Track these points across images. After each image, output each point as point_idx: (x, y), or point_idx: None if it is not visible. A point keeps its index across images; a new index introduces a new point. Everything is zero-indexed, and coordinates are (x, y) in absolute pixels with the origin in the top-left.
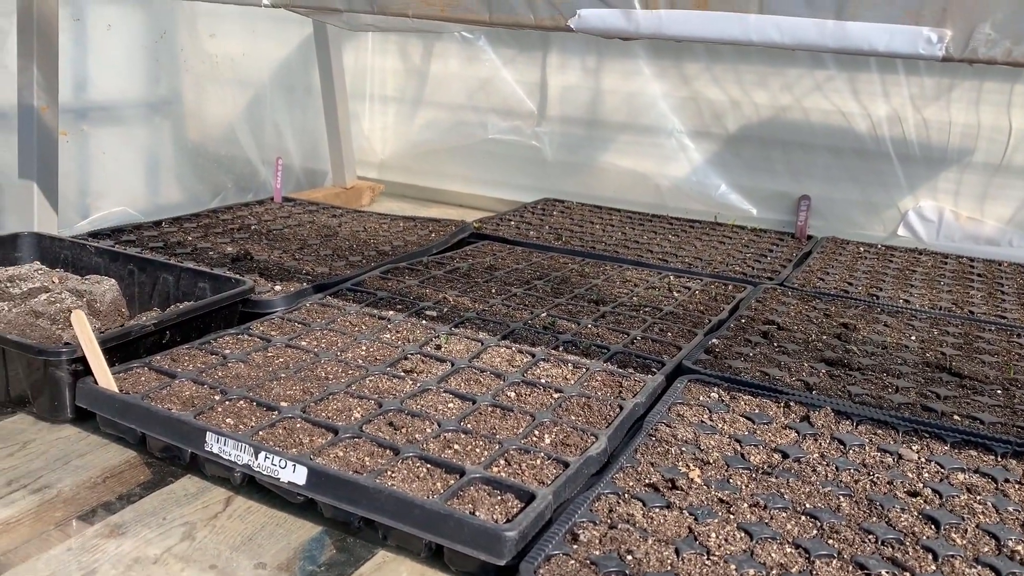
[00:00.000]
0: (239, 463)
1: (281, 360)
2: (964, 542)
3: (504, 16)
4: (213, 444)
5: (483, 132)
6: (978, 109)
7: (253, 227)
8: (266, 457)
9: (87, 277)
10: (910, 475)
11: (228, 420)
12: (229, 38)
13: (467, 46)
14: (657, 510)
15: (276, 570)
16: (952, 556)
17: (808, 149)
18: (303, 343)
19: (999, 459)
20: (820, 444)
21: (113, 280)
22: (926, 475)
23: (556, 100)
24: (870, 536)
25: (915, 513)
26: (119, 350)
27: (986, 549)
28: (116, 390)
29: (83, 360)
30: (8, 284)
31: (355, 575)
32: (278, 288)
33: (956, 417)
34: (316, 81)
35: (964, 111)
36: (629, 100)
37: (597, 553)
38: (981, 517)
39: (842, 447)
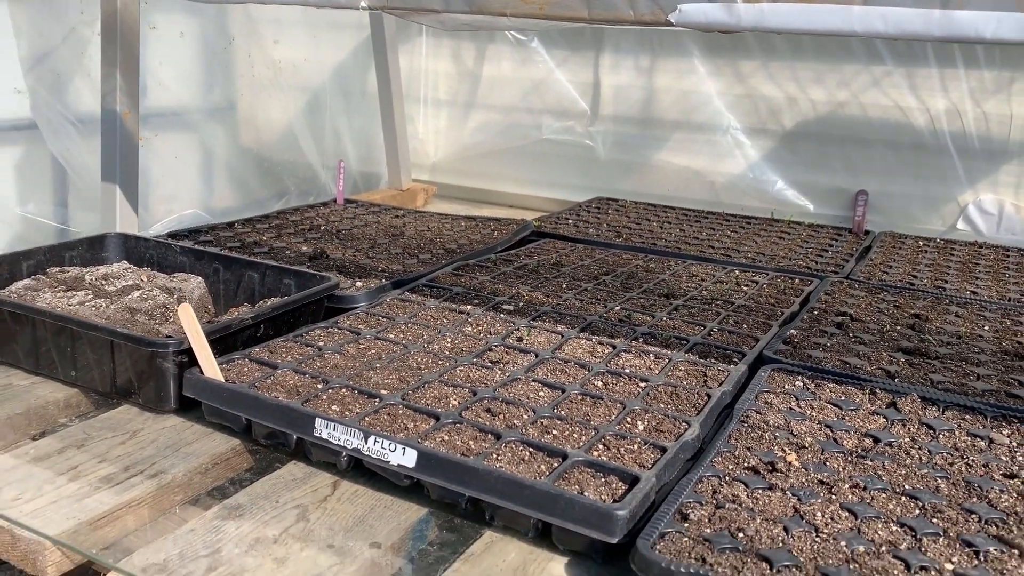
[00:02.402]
0: (348, 447)
1: (373, 351)
2: None
3: (603, 12)
4: (322, 429)
5: (536, 133)
6: None
7: (322, 227)
8: (376, 441)
9: (174, 275)
10: (1004, 458)
11: (334, 407)
12: (292, 44)
13: (520, 48)
14: (760, 491)
15: (390, 549)
16: None
17: (865, 144)
18: (391, 336)
19: None
20: (910, 429)
21: (200, 278)
22: (1020, 458)
23: (609, 99)
24: (973, 515)
25: (1014, 494)
26: (219, 343)
27: None
28: (222, 380)
29: (188, 352)
30: (103, 282)
31: (466, 553)
32: (359, 284)
33: None
34: (371, 85)
35: None
36: (683, 98)
37: (708, 531)
38: None
39: (932, 432)
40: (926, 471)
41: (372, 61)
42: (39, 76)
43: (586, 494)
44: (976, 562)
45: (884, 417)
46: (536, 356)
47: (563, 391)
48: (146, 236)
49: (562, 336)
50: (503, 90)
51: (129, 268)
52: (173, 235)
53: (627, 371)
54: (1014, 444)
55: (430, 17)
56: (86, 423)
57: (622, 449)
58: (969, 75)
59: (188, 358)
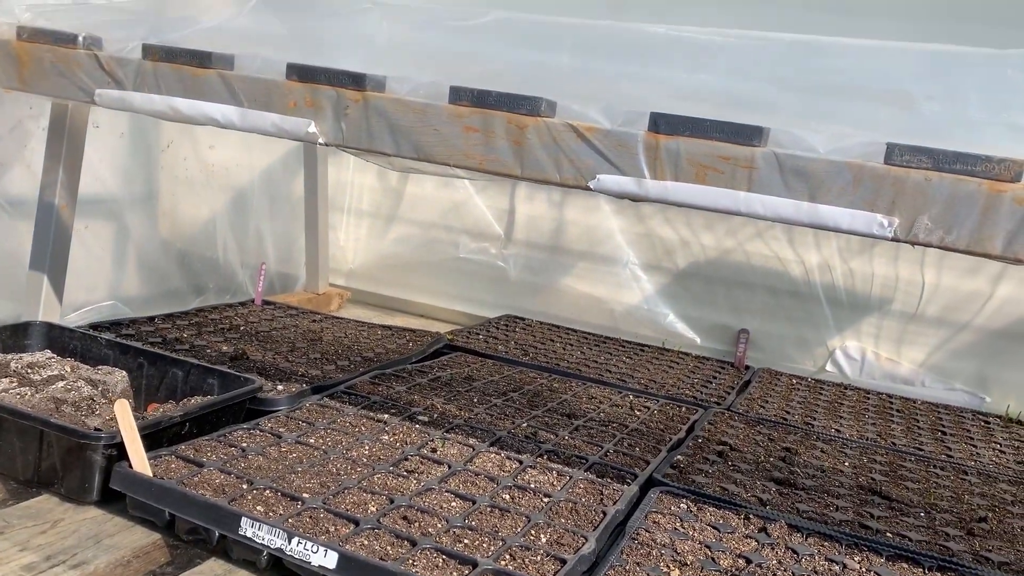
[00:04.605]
0: (272, 547)
1: (295, 455)
2: None
3: (533, 173)
4: (248, 528)
5: (453, 250)
6: (896, 264)
7: (242, 328)
8: (299, 542)
9: (99, 367)
10: None
11: (258, 507)
12: (225, 148)
13: (443, 170)
14: None
15: None
16: None
17: (748, 287)
18: (311, 440)
19: (926, 572)
20: (777, 552)
21: (124, 372)
22: None
23: (522, 226)
24: None
25: None
26: (147, 439)
27: None
28: (151, 475)
29: (117, 446)
30: (28, 370)
31: None
32: (280, 388)
33: (888, 534)
34: (296, 191)
35: (884, 265)
36: (589, 231)
37: None
38: None
39: (795, 555)
40: None
41: (300, 168)
42: None
43: None
44: None
45: (756, 540)
46: (449, 467)
47: (474, 502)
48: (71, 327)
49: (473, 449)
50: (424, 208)
51: (53, 358)
52: (95, 326)
53: (532, 486)
54: (863, 570)
55: (382, 158)
56: (5, 510)
57: (527, 560)
58: (838, 236)
59: (117, 451)
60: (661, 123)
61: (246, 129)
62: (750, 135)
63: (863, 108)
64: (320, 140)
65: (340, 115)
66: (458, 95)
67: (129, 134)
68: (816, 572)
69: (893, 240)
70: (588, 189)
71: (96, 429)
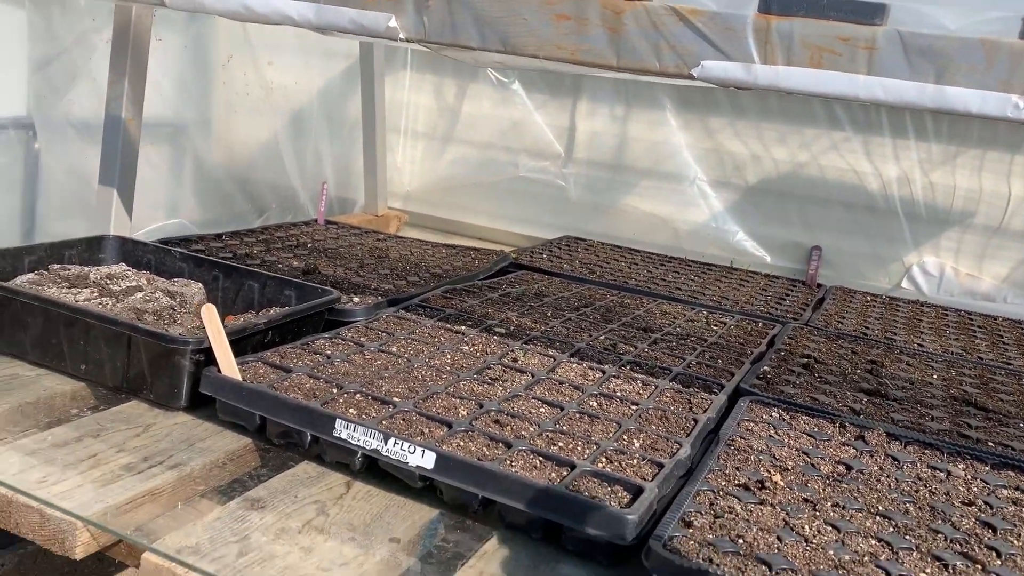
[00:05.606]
0: (367, 448)
1: (379, 362)
2: (1021, 544)
3: (631, 62)
4: (342, 430)
5: (511, 170)
6: (980, 176)
7: (309, 245)
8: (395, 443)
9: (174, 280)
10: (961, 488)
11: (351, 411)
12: (284, 67)
13: (500, 89)
14: (753, 505)
15: (408, 544)
16: (1014, 555)
17: (822, 203)
18: (393, 349)
19: None
20: (877, 459)
21: (200, 284)
22: (975, 489)
23: (583, 144)
24: (939, 535)
25: (972, 519)
26: (231, 345)
27: None
28: (241, 379)
29: (205, 351)
30: (107, 281)
31: (481, 550)
32: (356, 300)
33: (990, 443)
34: (353, 113)
35: (968, 176)
36: (653, 148)
37: (711, 536)
38: None
39: (897, 463)
40: (895, 496)
41: (357, 89)
42: (45, 77)
43: (597, 500)
44: (947, 573)
45: (854, 448)
46: (532, 376)
47: (562, 409)
48: (144, 241)
49: (554, 359)
50: (481, 127)
51: (129, 270)
52: (165, 242)
53: (618, 394)
54: (969, 477)
55: (465, 53)
56: (98, 415)
57: (623, 463)
58: (919, 146)
59: (204, 357)
60: (773, 2)
61: (322, 27)
62: (871, 12)
63: None
64: (400, 36)
65: (422, 8)
66: None
67: (191, 47)
68: (920, 479)
69: None
70: (691, 78)
71: (182, 334)
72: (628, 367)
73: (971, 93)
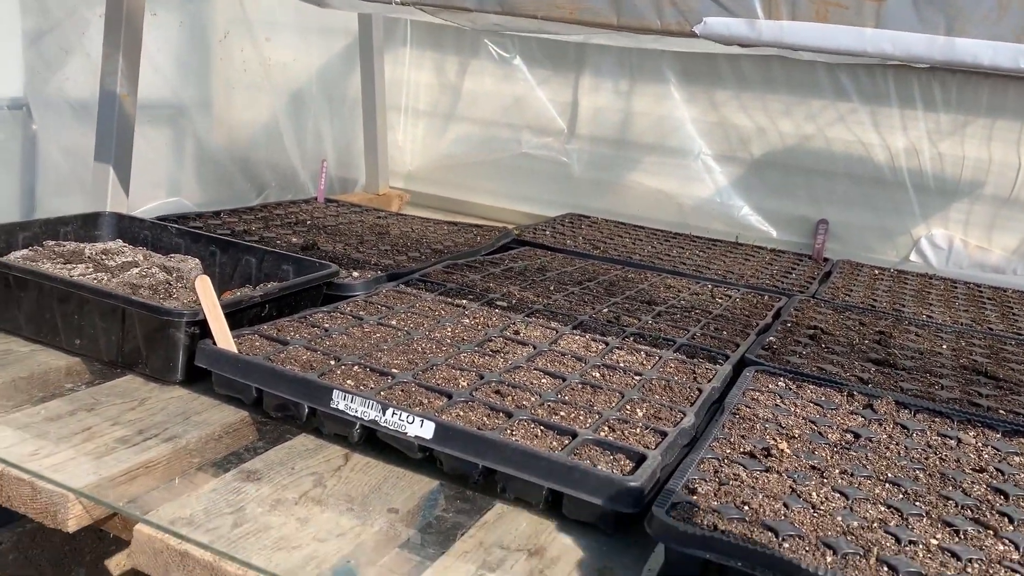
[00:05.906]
0: (366, 418)
1: (378, 335)
2: None
3: (631, 20)
4: (339, 401)
5: (514, 147)
6: (990, 145)
7: (308, 222)
8: (393, 413)
9: (171, 256)
10: (972, 455)
11: (348, 382)
12: (282, 45)
13: (502, 65)
14: (759, 473)
15: (407, 515)
16: None
17: (828, 176)
18: (392, 322)
19: None
20: (886, 428)
21: (197, 260)
22: (986, 456)
23: (587, 120)
24: (950, 501)
25: (984, 486)
26: (228, 318)
27: None
28: (236, 352)
29: (200, 324)
30: (103, 256)
31: (480, 521)
32: (355, 274)
33: (1001, 412)
34: (353, 91)
35: (977, 146)
36: (658, 123)
37: (716, 503)
38: None
39: (906, 431)
40: (905, 463)
41: (357, 67)
42: (39, 52)
43: (599, 468)
44: (957, 539)
45: (862, 416)
46: (534, 348)
47: (564, 379)
48: (140, 217)
49: (556, 332)
50: (483, 104)
51: (125, 246)
52: (162, 219)
53: (621, 365)
54: (979, 444)
55: (461, 16)
56: (93, 389)
57: (626, 431)
58: (927, 117)
59: (199, 330)
60: None
61: None
62: None
63: None
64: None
65: None
66: None
67: (187, 24)
68: (930, 446)
69: None
70: (693, 35)
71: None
72: (631, 339)
73: (982, 45)
